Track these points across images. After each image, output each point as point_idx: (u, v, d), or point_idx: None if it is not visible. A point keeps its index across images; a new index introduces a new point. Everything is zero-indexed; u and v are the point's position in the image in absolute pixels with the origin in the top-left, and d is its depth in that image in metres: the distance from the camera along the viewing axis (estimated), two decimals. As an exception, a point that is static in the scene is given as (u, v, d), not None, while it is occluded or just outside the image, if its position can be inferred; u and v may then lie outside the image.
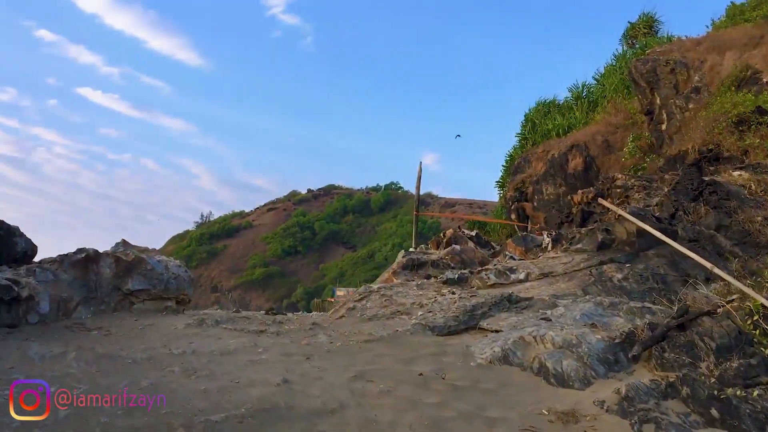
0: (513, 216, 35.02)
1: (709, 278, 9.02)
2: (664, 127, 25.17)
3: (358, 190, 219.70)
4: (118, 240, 10.25)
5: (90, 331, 7.67)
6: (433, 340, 7.75)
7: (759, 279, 8.72)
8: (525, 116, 38.80)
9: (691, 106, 23.58)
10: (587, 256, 9.46)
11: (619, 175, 12.34)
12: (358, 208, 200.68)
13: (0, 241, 8.80)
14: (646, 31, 37.38)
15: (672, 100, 24.27)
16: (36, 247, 9.24)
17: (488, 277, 9.27)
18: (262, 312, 10.85)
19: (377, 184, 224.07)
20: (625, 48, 37.72)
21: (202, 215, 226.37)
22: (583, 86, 37.97)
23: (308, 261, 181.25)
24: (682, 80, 24.76)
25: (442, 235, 14.29)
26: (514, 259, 10.27)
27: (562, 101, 39.42)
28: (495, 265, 9.64)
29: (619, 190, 11.65)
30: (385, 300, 8.79)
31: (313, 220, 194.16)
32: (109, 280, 8.78)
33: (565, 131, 35.55)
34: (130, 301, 8.91)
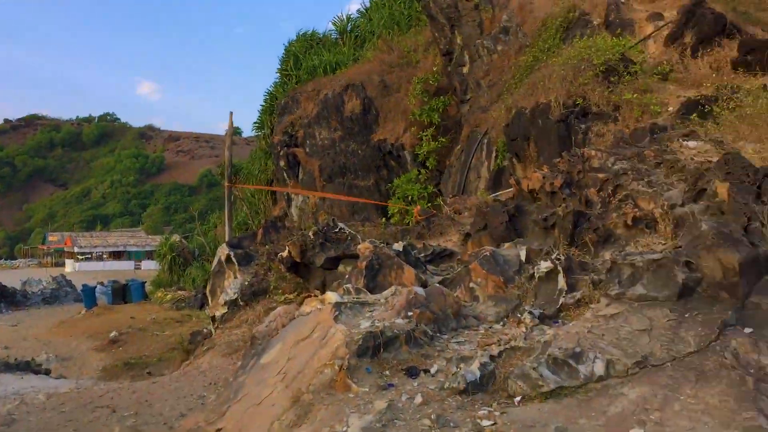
0: (282, 163, 30.16)
1: None
2: (466, 70, 21.97)
3: (67, 121, 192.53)
4: None
5: None
6: None
7: None
8: (286, 50, 33.62)
9: (500, 48, 20.58)
10: (670, 314, 5.36)
11: (594, 151, 8.29)
12: (68, 141, 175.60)
13: None
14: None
15: (479, 41, 21.00)
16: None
17: (539, 374, 4.69)
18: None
19: (90, 115, 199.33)
20: (393, -20, 33.98)
21: None
22: (348, 19, 33.70)
23: (9, 201, 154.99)
24: (487, 19, 21.55)
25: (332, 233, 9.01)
26: (538, 319, 5.71)
27: (324, 35, 34.81)
28: (543, 350, 4.99)
29: (600, 176, 7.65)
30: None
31: (12, 155, 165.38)
32: None
33: (333, 68, 31.22)
34: None
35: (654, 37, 14.84)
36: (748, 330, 5.12)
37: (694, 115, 11.35)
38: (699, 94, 12.20)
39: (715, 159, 8.18)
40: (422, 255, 8.60)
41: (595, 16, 17.51)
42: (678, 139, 9.61)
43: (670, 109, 12.53)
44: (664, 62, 13.89)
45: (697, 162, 7.66)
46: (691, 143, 9.49)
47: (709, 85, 12.16)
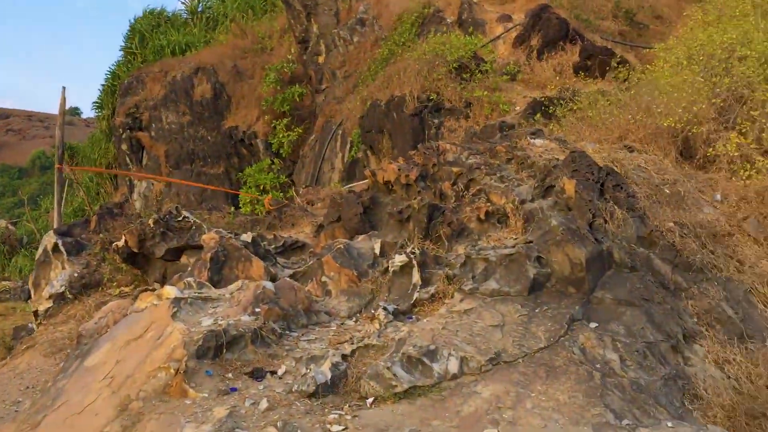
0: (124, 146, 28.18)
1: (686, 334, 5.75)
2: (322, 59, 21.63)
3: None
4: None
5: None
6: None
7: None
8: (131, 27, 31.40)
9: (356, 39, 20.46)
10: (522, 309, 5.29)
11: (449, 145, 8.15)
12: None
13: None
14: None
15: (336, 31, 20.74)
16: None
17: (393, 374, 4.40)
18: None
19: None
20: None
21: None
22: (199, 0, 32.15)
23: None
24: (343, 9, 21.32)
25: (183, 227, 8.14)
26: (392, 315, 5.44)
27: (173, 14, 32.93)
28: (397, 348, 4.73)
29: (455, 170, 7.53)
30: None
31: None
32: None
33: (183, 50, 29.67)
34: None
35: (503, 38, 15.29)
36: (593, 324, 5.20)
37: (538, 114, 11.75)
38: (543, 95, 12.68)
39: (560, 157, 8.41)
40: (272, 247, 8.13)
41: (448, 14, 17.76)
42: (526, 137, 9.81)
43: (518, 108, 12.91)
44: (512, 63, 14.34)
45: (545, 159, 7.83)
46: (538, 141, 9.70)
47: (552, 87, 12.67)
